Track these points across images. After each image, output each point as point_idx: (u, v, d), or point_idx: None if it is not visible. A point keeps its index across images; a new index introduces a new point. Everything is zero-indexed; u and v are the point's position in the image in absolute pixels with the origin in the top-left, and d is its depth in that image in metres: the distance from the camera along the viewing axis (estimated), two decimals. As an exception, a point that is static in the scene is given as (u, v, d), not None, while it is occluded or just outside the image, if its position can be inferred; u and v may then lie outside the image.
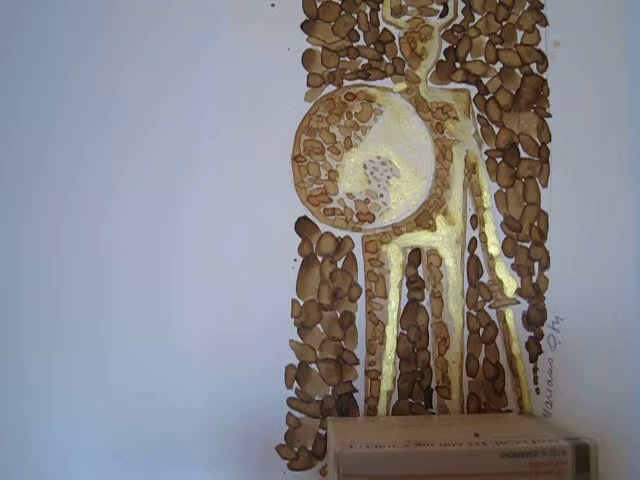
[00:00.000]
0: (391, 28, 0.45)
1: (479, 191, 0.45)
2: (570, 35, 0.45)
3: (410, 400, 0.44)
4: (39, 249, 0.44)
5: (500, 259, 0.44)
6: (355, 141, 0.45)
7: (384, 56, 0.45)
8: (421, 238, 0.44)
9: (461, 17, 0.45)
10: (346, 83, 0.45)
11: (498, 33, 0.45)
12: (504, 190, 0.45)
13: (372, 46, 0.45)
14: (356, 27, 0.45)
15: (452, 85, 0.45)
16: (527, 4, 0.45)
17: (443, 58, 0.45)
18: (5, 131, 0.44)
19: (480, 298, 0.44)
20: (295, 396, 0.43)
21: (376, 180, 0.44)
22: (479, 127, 0.45)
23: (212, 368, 0.43)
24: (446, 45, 0.45)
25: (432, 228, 0.44)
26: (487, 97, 0.45)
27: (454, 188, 0.45)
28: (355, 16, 0.45)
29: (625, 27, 0.45)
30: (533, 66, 0.45)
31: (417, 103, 0.45)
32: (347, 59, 0.45)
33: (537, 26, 0.45)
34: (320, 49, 0.45)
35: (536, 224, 0.44)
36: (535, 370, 0.44)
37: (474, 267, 0.44)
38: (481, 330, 0.44)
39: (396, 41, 0.45)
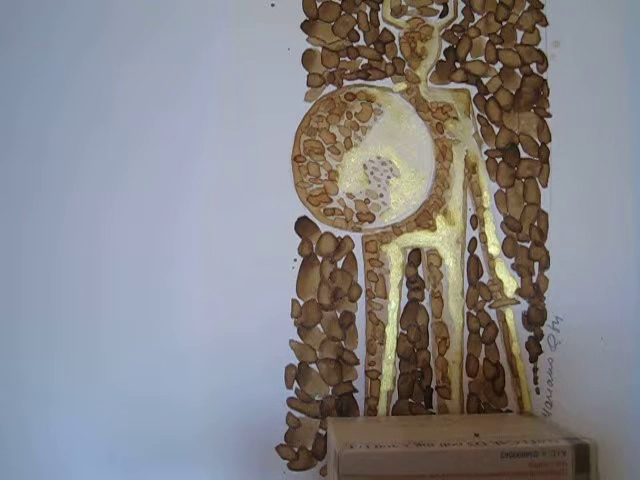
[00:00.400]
0: (391, 28, 0.45)
1: (479, 191, 0.45)
2: (570, 35, 0.45)
3: (410, 400, 0.44)
4: (39, 249, 0.44)
5: (500, 259, 0.44)
6: (355, 141, 0.45)
7: (384, 56, 0.45)
8: (421, 238, 0.44)
9: (461, 17, 0.45)
10: (346, 83, 0.45)
11: (498, 33, 0.45)
12: (504, 190, 0.45)
13: (372, 46, 0.45)
14: (356, 27, 0.45)
15: (452, 85, 0.45)
16: (527, 4, 0.45)
17: (443, 58, 0.45)
18: (5, 131, 0.44)
19: (480, 298, 0.44)
20: (295, 396, 0.43)
21: (376, 180, 0.44)
22: (479, 127, 0.45)
23: (212, 368, 0.43)
24: (446, 45, 0.45)
25: (432, 228, 0.45)
26: (487, 97, 0.45)
27: (454, 188, 0.45)
28: (355, 16, 0.45)
29: (625, 27, 0.45)
30: (533, 66, 0.45)
31: (417, 103, 0.45)
32: (347, 59, 0.45)
33: (537, 26, 0.45)
34: (320, 49, 0.45)
35: (536, 224, 0.44)
36: (535, 370, 0.44)
37: (474, 267, 0.44)
38: (481, 330, 0.44)
39: (396, 41, 0.45)
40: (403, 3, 0.45)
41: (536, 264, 0.44)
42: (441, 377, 0.44)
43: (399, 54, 0.45)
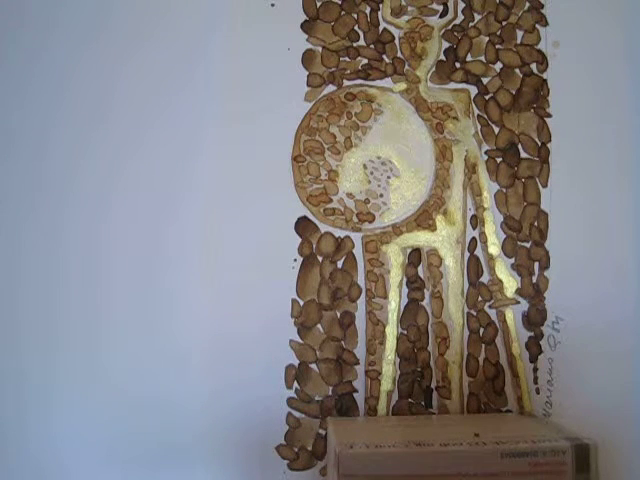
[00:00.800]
0: (391, 28, 0.45)
1: (479, 191, 0.45)
2: (570, 35, 0.45)
3: (410, 400, 0.44)
4: (39, 249, 0.44)
5: (500, 259, 0.44)
6: (355, 141, 0.45)
7: (384, 56, 0.45)
8: (421, 238, 0.44)
9: (461, 17, 0.45)
10: (346, 83, 0.45)
11: (498, 33, 0.45)
12: (504, 190, 0.45)
13: (372, 46, 0.45)
14: (356, 27, 0.45)
15: (452, 85, 0.45)
16: (527, 4, 0.45)
17: (443, 58, 0.45)
18: (5, 131, 0.44)
19: (480, 298, 0.44)
20: (295, 396, 0.43)
21: (376, 180, 0.44)
22: (479, 127, 0.45)
23: (212, 368, 0.43)
24: (446, 45, 0.45)
25: (432, 228, 0.44)
26: (487, 97, 0.45)
27: (454, 188, 0.45)
28: (355, 16, 0.45)
29: (625, 27, 0.45)
30: (533, 66, 0.45)
31: (417, 103, 0.45)
32: (347, 59, 0.45)
33: (537, 26, 0.45)
34: (320, 49, 0.45)
35: (536, 224, 0.44)
36: (535, 370, 0.44)
37: (474, 267, 0.44)
38: (481, 330, 0.44)
39: (396, 41, 0.45)
40: (403, 3, 0.45)
41: (536, 264, 0.44)
42: (441, 377, 0.44)
43: (399, 54, 0.45)
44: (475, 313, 0.44)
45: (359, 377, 0.44)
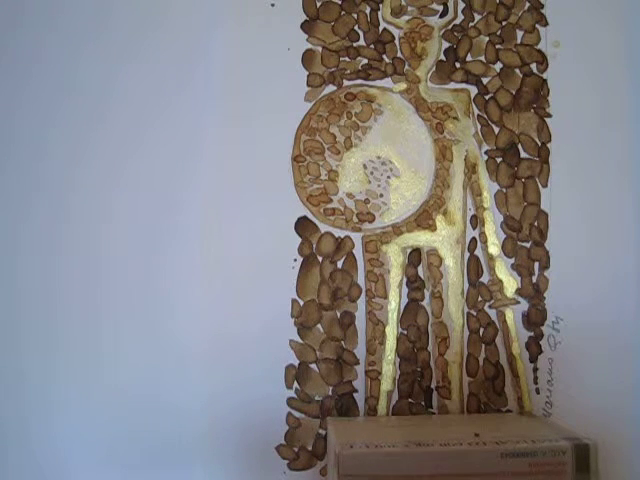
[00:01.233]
0: (391, 28, 0.45)
1: (479, 191, 0.45)
2: (570, 35, 0.45)
3: (410, 400, 0.44)
4: (39, 249, 0.44)
5: (500, 259, 0.44)
6: (355, 141, 0.45)
7: (384, 56, 0.45)
8: (421, 238, 0.44)
9: (461, 17, 0.45)
10: (346, 83, 0.45)
11: (498, 33, 0.45)
12: (504, 190, 0.45)
13: (372, 46, 0.45)
14: (356, 27, 0.45)
15: (452, 85, 0.45)
16: (527, 4, 0.45)
17: (443, 58, 0.45)
18: (5, 131, 0.44)
19: (480, 298, 0.44)
20: (295, 396, 0.43)
21: (376, 180, 0.44)
22: (479, 127, 0.45)
23: (212, 368, 0.43)
24: (446, 45, 0.45)
25: (432, 228, 0.44)
26: (487, 97, 0.45)
27: (454, 188, 0.45)
28: (355, 16, 0.45)
29: (625, 27, 0.45)
30: (533, 66, 0.45)
31: (417, 103, 0.45)
32: (347, 59, 0.45)
33: (537, 26, 0.45)
34: (320, 49, 0.45)
35: (536, 224, 0.44)
36: (535, 370, 0.44)
37: (474, 267, 0.44)
38: (481, 330, 0.44)
39: (396, 41, 0.45)
40: (403, 3, 0.45)
41: (536, 264, 0.44)
42: (441, 377, 0.44)
43: (399, 54, 0.45)
44: (475, 313, 0.44)
45: (359, 377, 0.44)
